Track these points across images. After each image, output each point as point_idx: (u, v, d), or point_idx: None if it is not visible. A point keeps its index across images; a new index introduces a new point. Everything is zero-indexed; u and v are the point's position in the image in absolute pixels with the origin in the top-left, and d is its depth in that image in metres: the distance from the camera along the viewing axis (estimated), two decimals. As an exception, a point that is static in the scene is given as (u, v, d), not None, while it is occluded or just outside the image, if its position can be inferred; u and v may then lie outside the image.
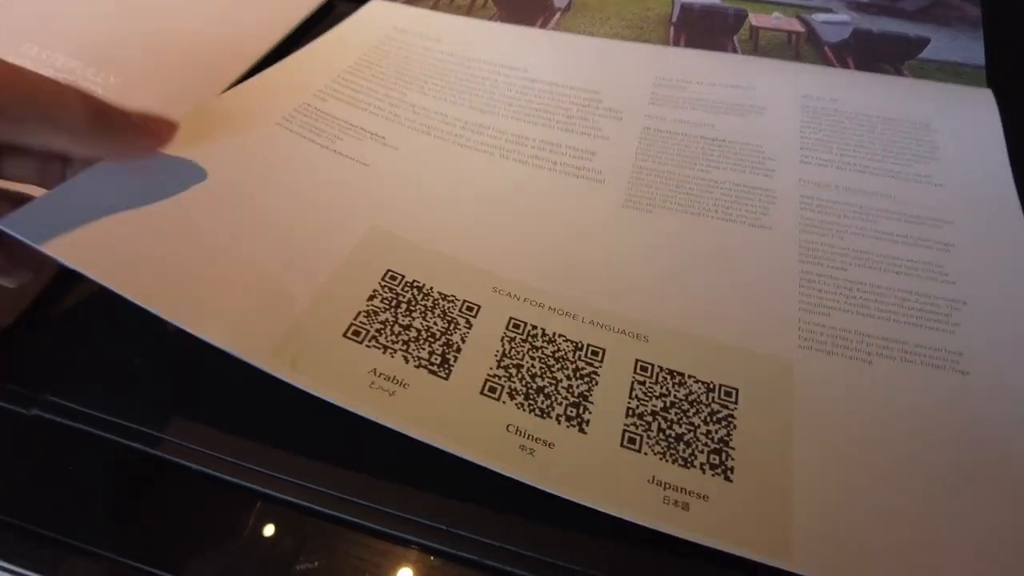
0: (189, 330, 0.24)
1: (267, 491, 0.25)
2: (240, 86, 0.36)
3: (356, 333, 0.26)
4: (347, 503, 0.24)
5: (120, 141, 0.26)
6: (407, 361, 0.26)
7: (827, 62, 0.41)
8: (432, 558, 0.24)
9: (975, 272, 0.30)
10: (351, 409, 0.24)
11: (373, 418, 0.24)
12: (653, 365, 0.27)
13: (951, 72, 0.40)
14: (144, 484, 0.26)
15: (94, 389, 0.27)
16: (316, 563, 0.24)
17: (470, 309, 0.28)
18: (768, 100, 0.38)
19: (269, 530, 0.24)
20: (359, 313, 0.27)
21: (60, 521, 0.25)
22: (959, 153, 0.35)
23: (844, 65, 0.41)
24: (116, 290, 0.24)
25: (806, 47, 0.42)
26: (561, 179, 0.34)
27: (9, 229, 0.25)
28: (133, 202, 0.27)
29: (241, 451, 0.25)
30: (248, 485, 0.25)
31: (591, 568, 0.23)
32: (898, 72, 0.40)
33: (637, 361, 0.27)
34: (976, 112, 0.37)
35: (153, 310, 0.24)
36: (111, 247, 0.26)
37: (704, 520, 0.23)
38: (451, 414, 0.24)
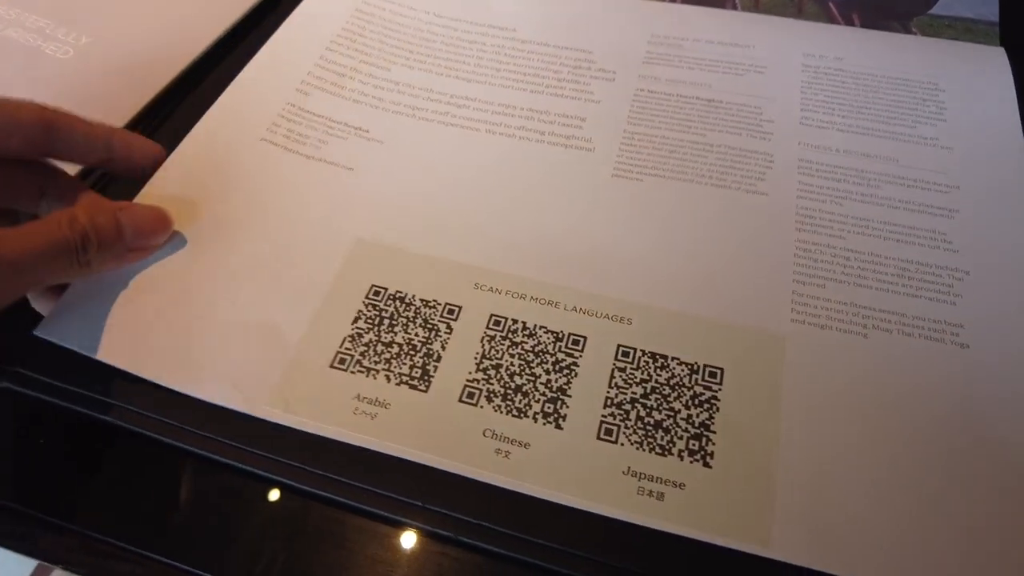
0: (197, 396, 0.25)
1: (238, 464, 0.24)
2: (227, 92, 0.34)
3: (342, 361, 0.26)
4: (322, 478, 0.24)
5: (116, 262, 0.27)
6: (389, 380, 0.25)
7: (831, 19, 0.39)
8: (406, 533, 0.23)
9: (980, 240, 0.29)
10: (336, 438, 0.24)
11: (355, 443, 0.24)
12: (635, 350, 0.26)
13: (963, 29, 0.38)
14: (115, 457, 0.25)
15: (64, 362, 0.26)
16: (289, 537, 0.23)
17: (451, 312, 0.27)
18: (768, 59, 0.36)
19: (240, 504, 0.24)
20: (344, 339, 0.26)
21: (31, 495, 0.24)
22: (968, 114, 0.34)
23: (849, 22, 0.39)
24: (135, 372, 0.25)
25: (810, 3, 0.40)
26: (549, 151, 0.32)
27: (45, 335, 0.26)
28: (129, 281, 0.28)
29: (212, 424, 0.25)
30: (219, 458, 0.24)
31: (568, 545, 0.22)
32: (906, 30, 0.38)
33: (619, 347, 0.26)
34: (987, 72, 0.35)
35: (165, 384, 0.25)
36: (126, 336, 0.26)
37: (679, 509, 0.22)
38: (429, 427, 0.24)
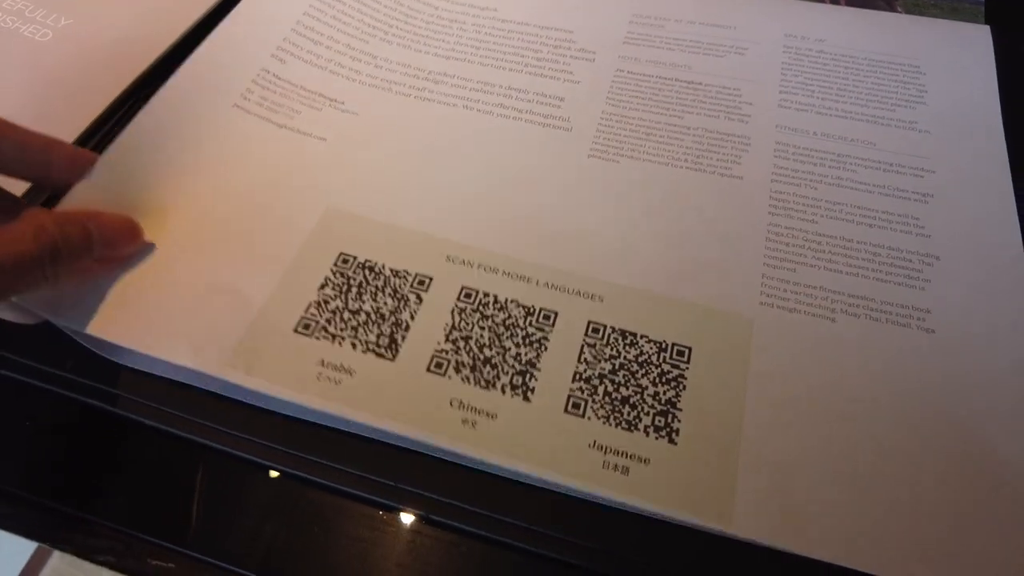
0: (152, 355, 0.25)
1: (212, 444, 0.25)
2: (198, 52, 0.34)
3: (306, 326, 0.26)
4: (296, 458, 0.24)
5: (81, 276, 0.26)
6: (355, 347, 0.25)
7: (817, -3, 0.39)
8: (380, 512, 0.24)
9: (952, 225, 0.29)
10: (297, 402, 0.24)
11: (317, 408, 0.24)
12: (605, 326, 0.26)
13: (948, 8, 0.38)
14: (100, 439, 0.26)
15: (50, 345, 0.26)
16: (265, 516, 0.24)
17: (422, 283, 0.27)
18: (750, 40, 0.36)
19: (215, 482, 0.25)
20: (310, 304, 0.26)
21: (16, 475, 0.25)
22: (948, 97, 0.34)
23: (834, 1, 0.38)
24: (87, 331, 0.25)
25: (796, -19, 0.40)
26: (526, 129, 0.32)
27: None
28: None
29: (197, 407, 0.25)
30: (193, 438, 0.25)
31: (536, 524, 0.23)
32: (891, 8, 0.38)
33: (589, 323, 0.26)
34: (970, 52, 0.35)
35: (113, 341, 0.25)
36: (80, 292, 0.26)
37: (643, 484, 0.23)
38: (394, 395, 0.24)
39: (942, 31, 0.36)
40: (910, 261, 0.28)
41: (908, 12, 0.38)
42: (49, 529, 0.24)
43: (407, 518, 0.24)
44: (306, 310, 0.26)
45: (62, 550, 0.25)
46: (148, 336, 0.25)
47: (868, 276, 0.28)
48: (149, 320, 0.26)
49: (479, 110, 0.33)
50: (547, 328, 0.26)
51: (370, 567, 0.23)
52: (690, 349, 0.26)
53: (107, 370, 0.26)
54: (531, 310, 0.27)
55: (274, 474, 0.25)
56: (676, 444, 0.24)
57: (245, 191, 0.30)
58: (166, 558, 0.24)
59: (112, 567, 0.24)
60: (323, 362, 0.25)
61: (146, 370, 0.26)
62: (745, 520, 0.22)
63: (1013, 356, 0.25)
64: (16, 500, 0.25)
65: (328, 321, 0.26)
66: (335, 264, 0.28)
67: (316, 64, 0.35)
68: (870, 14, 0.38)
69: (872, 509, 0.23)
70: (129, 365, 0.26)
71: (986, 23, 0.37)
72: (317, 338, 0.26)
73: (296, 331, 0.26)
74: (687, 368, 0.25)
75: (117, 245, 0.26)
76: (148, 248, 0.27)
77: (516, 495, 0.23)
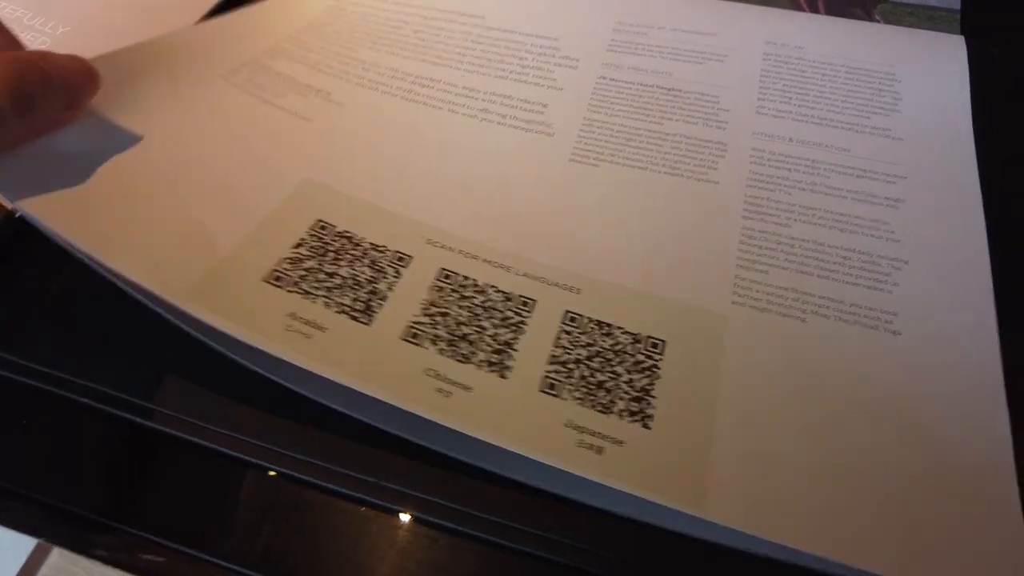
0: (102, 260, 0.24)
1: (196, 440, 0.26)
2: (187, 31, 0.35)
3: (277, 278, 0.26)
4: (281, 455, 0.25)
5: (45, 125, 0.25)
6: (328, 306, 0.26)
7: (797, 6, 0.40)
8: (363, 509, 0.25)
9: (921, 230, 0.30)
10: (264, 349, 0.24)
11: (285, 358, 0.24)
12: (582, 316, 0.27)
13: (925, 16, 0.39)
14: (95, 437, 0.26)
15: (44, 345, 0.27)
16: (257, 514, 0.25)
17: (401, 259, 0.28)
18: (730, 47, 0.37)
19: (198, 478, 0.25)
20: (282, 259, 0.27)
21: (12, 471, 0.26)
22: (922, 105, 0.34)
23: (815, 9, 0.39)
24: (30, 215, 0.24)
25: (778, -11, 0.41)
26: (509, 133, 0.33)
27: None
28: (69, 147, 0.27)
29: (189, 407, 0.26)
30: (177, 433, 0.26)
31: (517, 521, 0.24)
32: (869, 16, 0.39)
33: (567, 311, 0.27)
34: (944, 61, 0.36)
35: (67, 237, 0.24)
36: (38, 180, 0.25)
37: (616, 464, 0.23)
38: (367, 357, 0.24)
39: (918, 40, 0.37)
40: (879, 265, 0.29)
41: (886, 21, 0.39)
42: (44, 524, 0.25)
43: (390, 515, 0.24)
44: (278, 264, 0.26)
45: (57, 544, 0.25)
46: (105, 243, 0.25)
47: (839, 279, 0.28)
48: (108, 227, 0.25)
49: (464, 114, 0.34)
50: (525, 313, 0.27)
51: (355, 564, 0.24)
52: (664, 342, 0.26)
53: (103, 369, 0.27)
54: (510, 296, 0.27)
55: (268, 472, 0.25)
56: (650, 429, 0.24)
57: (223, 146, 0.30)
58: (157, 553, 0.24)
59: (105, 561, 0.24)
60: (293, 315, 0.25)
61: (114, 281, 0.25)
62: (717, 505, 0.23)
63: (975, 359, 0.26)
64: (12, 496, 0.25)
65: (301, 278, 0.26)
66: (312, 228, 0.28)
67: (305, 64, 0.36)
68: (848, 23, 0.38)
69: (836, 502, 0.23)
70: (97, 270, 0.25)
71: (961, 33, 0.38)
72: (288, 291, 0.26)
73: (266, 281, 0.26)
74: (661, 359, 0.26)
75: (76, 87, 0.25)
76: (128, 162, 0.27)
77: (497, 492, 0.24)
